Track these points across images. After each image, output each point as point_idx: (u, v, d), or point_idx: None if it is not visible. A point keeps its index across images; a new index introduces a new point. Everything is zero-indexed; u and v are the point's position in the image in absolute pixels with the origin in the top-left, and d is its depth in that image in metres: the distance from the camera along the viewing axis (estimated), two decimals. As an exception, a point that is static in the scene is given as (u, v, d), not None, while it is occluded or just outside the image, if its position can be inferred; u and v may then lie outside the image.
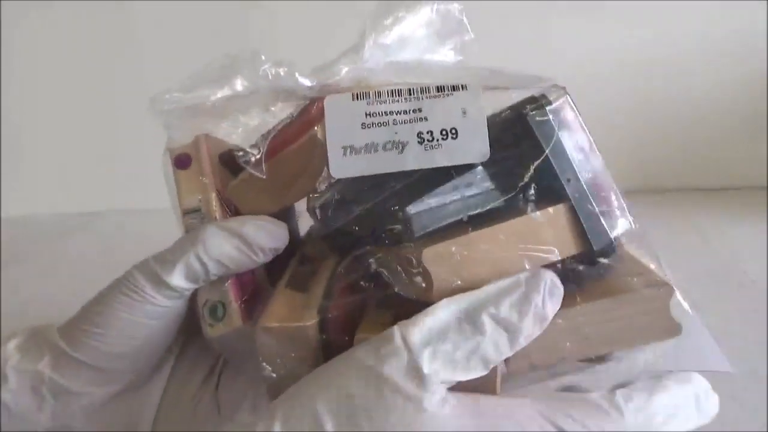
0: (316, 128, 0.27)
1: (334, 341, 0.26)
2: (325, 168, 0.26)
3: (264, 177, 0.28)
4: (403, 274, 0.25)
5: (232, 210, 0.31)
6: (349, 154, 0.26)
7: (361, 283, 0.26)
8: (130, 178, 0.80)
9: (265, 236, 0.28)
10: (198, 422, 0.30)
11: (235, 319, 0.29)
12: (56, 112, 0.79)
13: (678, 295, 0.25)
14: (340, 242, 0.28)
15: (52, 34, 0.76)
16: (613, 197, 0.27)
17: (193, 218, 0.30)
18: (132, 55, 0.76)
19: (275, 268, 0.32)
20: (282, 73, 0.29)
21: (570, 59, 0.68)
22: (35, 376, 0.28)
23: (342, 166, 0.26)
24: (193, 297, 0.30)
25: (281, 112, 0.31)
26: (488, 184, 0.27)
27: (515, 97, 0.27)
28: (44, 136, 0.80)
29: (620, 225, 0.27)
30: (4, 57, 0.77)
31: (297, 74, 0.29)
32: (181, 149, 0.31)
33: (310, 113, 0.28)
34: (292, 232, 0.31)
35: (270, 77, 0.29)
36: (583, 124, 0.28)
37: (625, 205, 0.28)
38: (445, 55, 0.32)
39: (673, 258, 0.52)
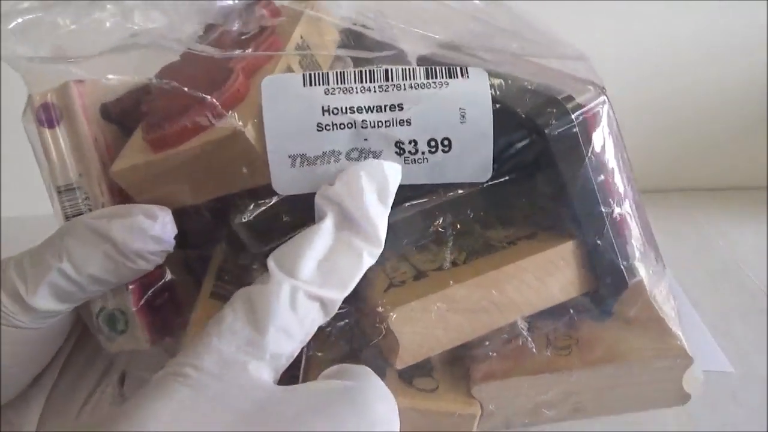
0: (239, 122, 0.18)
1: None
2: (256, 173, 0.19)
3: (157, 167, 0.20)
4: (362, 330, 0.20)
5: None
6: (300, 165, 0.18)
7: None
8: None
9: (140, 238, 0.21)
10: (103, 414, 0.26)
11: (139, 335, 0.23)
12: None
13: (695, 366, 0.22)
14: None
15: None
16: (641, 236, 0.22)
17: (71, 200, 0.23)
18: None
19: (199, 246, 0.24)
20: None
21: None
22: None
23: (289, 182, 0.18)
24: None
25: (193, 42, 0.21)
26: (480, 205, 0.21)
27: (538, 80, 0.20)
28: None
29: (642, 270, 0.22)
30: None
31: None
32: (44, 97, 0.22)
33: (232, 83, 0.19)
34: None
35: None
36: (621, 140, 0.22)
37: (653, 246, 0.23)
38: None
39: (673, 258, 0.52)
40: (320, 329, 0.20)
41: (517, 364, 0.21)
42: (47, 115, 0.22)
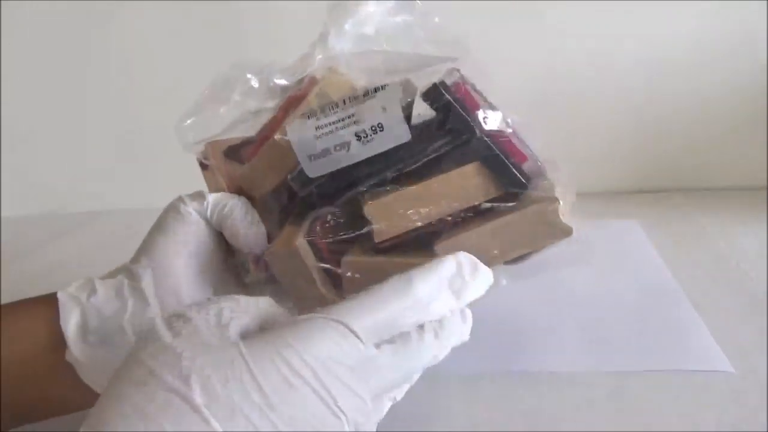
0: (276, 136, 0.35)
1: (328, 261, 0.34)
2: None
3: (251, 166, 0.38)
4: (356, 221, 0.34)
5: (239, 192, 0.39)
6: (313, 159, 0.33)
7: (331, 223, 0.35)
8: (130, 178, 0.80)
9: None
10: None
11: (255, 273, 0.39)
12: (56, 111, 0.79)
13: (560, 204, 0.31)
14: (313, 201, 0.36)
15: (53, 34, 0.76)
16: (518, 144, 0.34)
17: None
18: (132, 55, 0.76)
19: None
20: (257, 85, 0.38)
21: (570, 59, 0.68)
22: (117, 283, 0.34)
23: (311, 169, 0.34)
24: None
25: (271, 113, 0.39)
26: (418, 154, 0.33)
27: (429, 75, 0.34)
28: (44, 135, 0.80)
29: (526, 166, 0.34)
30: (4, 56, 0.77)
31: (274, 80, 0.38)
32: (200, 156, 0.41)
33: (278, 121, 0.37)
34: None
35: (255, 88, 0.38)
36: (481, 93, 0.34)
37: (531, 151, 0.34)
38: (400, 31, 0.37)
39: (674, 258, 0.52)
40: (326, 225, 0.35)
41: (463, 229, 0.33)
42: (202, 164, 0.41)
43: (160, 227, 0.36)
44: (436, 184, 0.32)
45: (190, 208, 0.36)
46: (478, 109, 0.33)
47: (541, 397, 0.36)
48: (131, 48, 0.76)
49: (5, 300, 0.36)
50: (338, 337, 0.23)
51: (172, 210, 0.36)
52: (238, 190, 0.39)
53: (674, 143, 0.71)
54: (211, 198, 0.37)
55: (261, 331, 0.24)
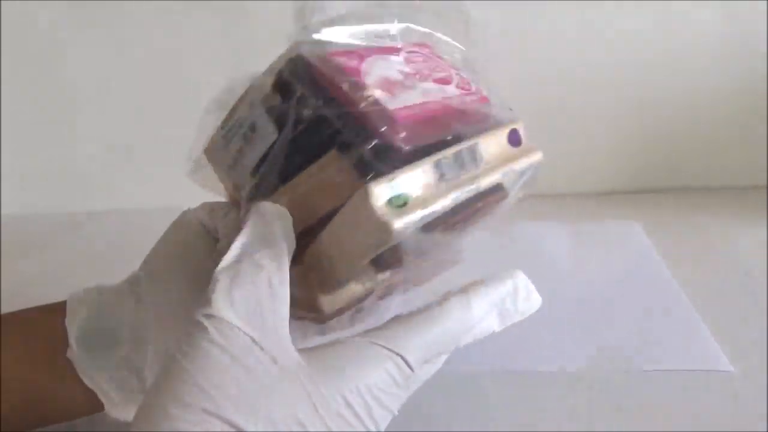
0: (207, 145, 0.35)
1: None
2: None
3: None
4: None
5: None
6: (231, 169, 0.32)
7: None
8: (130, 178, 0.80)
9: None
10: None
11: None
12: (57, 111, 0.79)
13: (371, 191, 0.24)
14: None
15: (53, 33, 0.76)
16: (376, 121, 0.27)
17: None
18: (132, 55, 0.76)
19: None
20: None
21: (569, 58, 0.68)
22: (120, 287, 0.35)
23: (232, 177, 0.33)
24: None
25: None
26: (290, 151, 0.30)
27: None
28: (44, 135, 0.80)
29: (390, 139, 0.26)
30: (4, 56, 0.77)
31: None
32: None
33: None
34: None
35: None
36: (331, 69, 0.28)
37: (393, 118, 0.27)
38: None
39: (674, 258, 0.52)
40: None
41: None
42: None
43: (162, 236, 0.37)
44: (301, 182, 0.28)
45: (191, 218, 0.37)
46: (331, 82, 0.28)
47: (541, 397, 0.36)
48: (132, 48, 0.75)
49: (5, 299, 0.36)
50: (395, 371, 0.24)
51: (175, 220, 0.38)
52: (232, 199, 0.40)
53: (674, 143, 0.71)
54: (208, 207, 0.38)
55: (315, 350, 0.24)
